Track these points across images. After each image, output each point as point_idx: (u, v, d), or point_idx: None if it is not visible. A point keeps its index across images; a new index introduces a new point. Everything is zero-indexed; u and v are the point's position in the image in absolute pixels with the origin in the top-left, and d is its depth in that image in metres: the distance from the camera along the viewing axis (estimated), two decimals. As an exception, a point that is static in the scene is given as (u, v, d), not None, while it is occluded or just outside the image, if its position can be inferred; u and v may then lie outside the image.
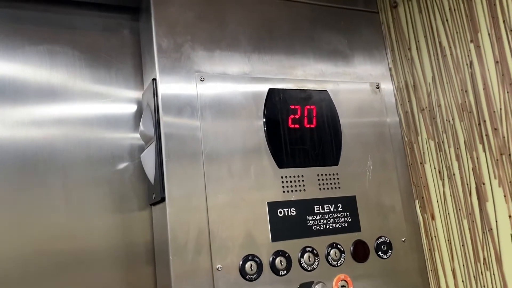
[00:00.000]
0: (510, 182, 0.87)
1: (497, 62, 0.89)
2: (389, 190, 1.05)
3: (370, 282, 0.97)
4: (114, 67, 1.00)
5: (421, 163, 1.07)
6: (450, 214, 1.00)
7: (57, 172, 0.91)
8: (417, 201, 1.08)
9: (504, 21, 0.87)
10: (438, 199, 1.03)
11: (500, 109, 0.88)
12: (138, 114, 1.00)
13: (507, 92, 0.87)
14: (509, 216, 0.87)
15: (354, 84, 1.09)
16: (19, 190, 0.88)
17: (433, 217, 1.04)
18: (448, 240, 1.01)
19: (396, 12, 1.14)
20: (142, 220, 0.95)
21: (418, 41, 1.08)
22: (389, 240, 1.01)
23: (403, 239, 1.04)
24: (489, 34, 0.90)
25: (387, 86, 1.14)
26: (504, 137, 0.88)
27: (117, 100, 0.99)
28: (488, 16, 0.90)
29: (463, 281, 0.97)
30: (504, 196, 0.88)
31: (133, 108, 1.00)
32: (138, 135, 0.97)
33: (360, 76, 1.11)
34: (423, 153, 1.06)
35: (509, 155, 0.87)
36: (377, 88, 1.11)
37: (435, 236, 1.04)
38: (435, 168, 1.04)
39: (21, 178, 0.88)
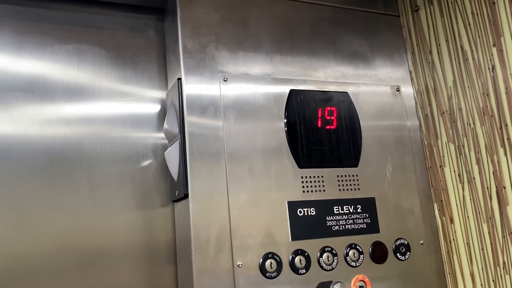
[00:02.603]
0: (531, 186, 0.87)
1: (520, 66, 0.89)
2: (408, 192, 1.05)
3: (388, 283, 0.98)
4: (140, 66, 1.02)
5: (440, 166, 1.07)
6: (469, 217, 1.00)
7: (82, 169, 0.93)
8: (435, 204, 1.08)
9: (528, 26, 0.87)
10: (457, 202, 1.03)
11: (523, 113, 0.88)
12: (162, 113, 1.02)
13: (530, 96, 0.87)
14: (530, 221, 0.87)
15: (374, 86, 1.10)
16: (46, 186, 0.90)
17: (452, 220, 1.04)
18: (467, 244, 1.01)
19: (417, 16, 1.15)
20: (165, 216, 0.97)
21: (439, 44, 1.08)
22: (408, 242, 1.02)
23: (421, 242, 1.04)
24: (512, 38, 0.90)
25: (407, 89, 1.14)
26: (526, 141, 0.88)
27: (142, 100, 1.01)
28: (511, 20, 0.90)
29: (481, 284, 0.97)
30: (525, 200, 0.88)
31: (157, 107, 1.02)
32: (161, 134, 0.99)
33: (381, 78, 1.12)
34: (443, 156, 1.07)
35: (531, 159, 0.87)
36: (397, 91, 1.12)
37: (453, 239, 1.04)
38: (454, 171, 1.04)
39: (48, 174, 0.91)
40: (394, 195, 1.04)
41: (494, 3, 0.94)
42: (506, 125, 0.92)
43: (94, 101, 0.98)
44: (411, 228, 1.04)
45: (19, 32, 0.94)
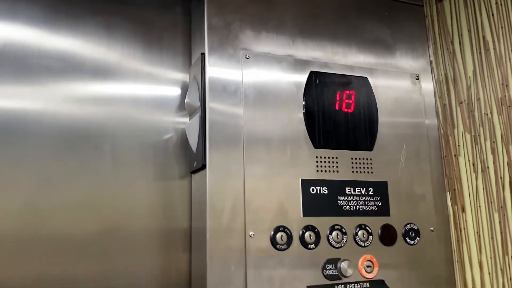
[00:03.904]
0: (545, 176, 0.87)
1: (541, 57, 0.89)
2: (421, 179, 1.07)
3: (395, 266, 1.00)
4: (165, 44, 1.06)
5: (455, 156, 1.08)
6: (481, 207, 1.01)
7: (106, 146, 0.97)
8: (448, 193, 1.09)
9: (551, 17, 0.88)
10: (470, 191, 1.04)
11: (541, 104, 0.89)
12: (183, 94, 1.05)
13: (549, 87, 0.87)
14: (541, 210, 0.88)
15: (394, 73, 1.11)
16: (72, 160, 0.94)
17: (463, 209, 1.06)
18: (477, 233, 1.02)
19: (441, 6, 1.15)
20: (182, 187, 1.01)
21: (461, 34, 1.09)
22: (418, 228, 1.03)
23: (431, 228, 1.05)
24: (534, 29, 0.91)
25: (427, 78, 1.15)
26: (542, 132, 0.88)
27: (165, 81, 1.05)
28: (535, 11, 0.91)
29: (489, 273, 0.98)
30: (538, 190, 0.89)
31: (178, 89, 1.06)
32: (182, 114, 1.03)
33: (401, 66, 1.13)
34: (458, 145, 1.07)
35: (546, 149, 0.87)
36: (416, 79, 1.13)
37: (464, 228, 1.05)
38: (469, 160, 1.05)
39: (74, 149, 0.95)
40: (407, 181, 1.05)
41: (518, -7, 0.94)
42: (523, 115, 0.92)
43: (120, 80, 1.01)
44: (422, 214, 1.05)
45: (54, 6, 0.98)
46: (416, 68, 1.15)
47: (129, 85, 1.02)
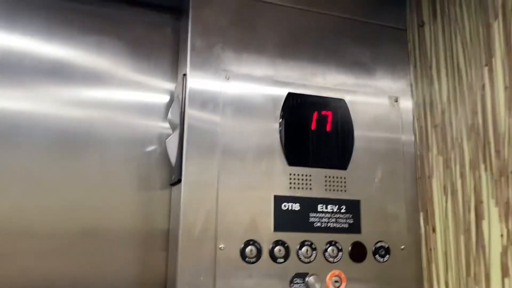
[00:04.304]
0: (505, 202, 0.91)
1: (506, 87, 0.93)
2: (394, 199, 1.11)
3: (365, 282, 1.03)
4: (153, 60, 1.12)
5: (429, 177, 1.12)
6: (449, 228, 1.04)
7: (93, 149, 1.04)
8: (421, 213, 1.13)
9: (517, 49, 0.91)
10: (440, 213, 1.07)
11: (504, 132, 0.92)
12: (170, 105, 1.11)
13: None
14: (501, 235, 0.91)
15: (373, 95, 1.15)
16: (60, 161, 1.01)
17: (434, 230, 1.09)
18: (445, 253, 1.05)
19: (422, 31, 1.19)
20: (163, 198, 1.07)
21: (438, 60, 1.12)
22: (388, 246, 1.07)
23: (402, 247, 1.09)
24: (502, 60, 0.94)
25: (407, 101, 1.19)
26: (505, 160, 0.91)
27: (152, 90, 1.11)
28: (503, 42, 0.94)
29: (454, 293, 1.01)
30: (499, 216, 0.92)
31: (166, 99, 1.12)
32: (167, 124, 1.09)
33: (380, 89, 1.17)
34: (431, 168, 1.11)
35: (507, 177, 0.90)
36: (395, 101, 1.17)
37: (434, 248, 1.08)
38: (440, 183, 1.08)
39: (62, 151, 1.01)
40: (380, 200, 1.09)
41: (489, 24, 0.98)
42: (489, 142, 0.95)
43: (109, 88, 1.08)
44: (393, 233, 1.09)
45: (49, 22, 1.05)
46: (396, 90, 1.19)
47: (118, 96, 1.08)
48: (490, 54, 0.97)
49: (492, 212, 0.94)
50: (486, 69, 0.98)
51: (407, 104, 1.19)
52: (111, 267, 1.01)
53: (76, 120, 1.04)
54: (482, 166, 0.97)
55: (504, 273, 0.90)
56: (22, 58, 1.03)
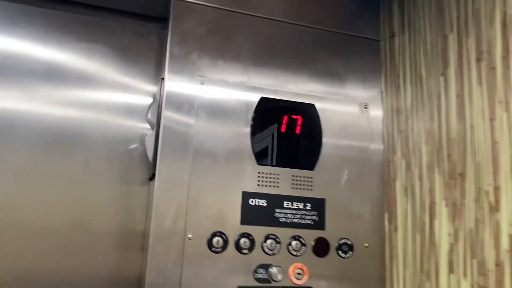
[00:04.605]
0: (453, 203, 0.97)
1: (458, 95, 0.99)
2: (360, 200, 1.17)
3: (326, 276, 1.10)
4: (140, 65, 1.22)
5: (393, 180, 1.18)
6: (408, 227, 1.11)
7: (80, 147, 1.13)
8: (386, 213, 1.19)
9: (468, 59, 0.97)
10: (402, 213, 1.14)
11: (455, 138, 0.98)
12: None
13: (462, 123, 0.97)
14: (449, 234, 0.97)
15: (344, 102, 1.22)
16: (49, 158, 1.11)
17: (396, 229, 1.15)
18: (404, 252, 1.11)
19: (393, 42, 1.26)
20: (142, 191, 1.16)
21: (405, 69, 1.19)
22: (352, 243, 1.14)
23: (366, 245, 1.16)
24: (455, 70, 1.01)
25: (377, 108, 1.26)
26: (454, 163, 0.98)
27: (137, 92, 1.21)
28: (456, 53, 1.01)
29: (407, 287, 1.08)
30: (448, 215, 0.98)
31: (150, 100, 1.21)
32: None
33: (352, 96, 1.24)
34: (396, 171, 1.18)
35: (455, 179, 0.97)
36: (365, 108, 1.24)
37: (395, 247, 1.15)
38: (402, 185, 1.15)
39: (52, 149, 1.11)
40: (346, 200, 1.16)
41: (445, 36, 1.05)
42: (443, 147, 1.02)
43: (99, 89, 1.18)
44: (357, 231, 1.15)
45: (46, 29, 1.16)
46: (366, 98, 1.26)
47: (106, 97, 1.18)
48: (445, 64, 1.04)
49: (443, 212, 1.00)
50: (442, 78, 1.05)
51: (377, 111, 1.26)
52: (92, 261, 1.11)
53: (67, 120, 1.14)
54: (436, 169, 1.03)
55: (450, 269, 0.96)
56: (21, 61, 1.14)
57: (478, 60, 0.95)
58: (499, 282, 0.84)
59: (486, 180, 0.89)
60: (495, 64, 0.90)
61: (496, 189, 0.86)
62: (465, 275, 0.92)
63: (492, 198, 0.87)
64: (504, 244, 0.83)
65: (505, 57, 0.88)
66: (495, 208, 0.86)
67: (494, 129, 0.88)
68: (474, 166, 0.92)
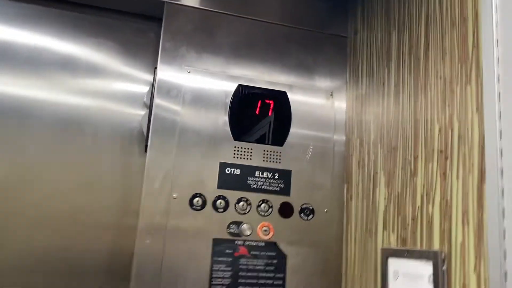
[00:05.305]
0: (388, 172, 1.18)
1: (395, 85, 1.20)
2: (322, 172, 1.39)
3: (289, 234, 1.32)
4: (139, 58, 1.45)
5: (351, 155, 1.39)
6: (359, 195, 1.32)
7: (87, 133, 1.37)
8: (345, 184, 1.41)
9: (403, 53, 1.18)
10: (356, 183, 1.35)
11: (391, 119, 1.19)
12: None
13: (397, 107, 1.18)
14: (384, 198, 1.18)
15: (311, 90, 1.44)
16: (58, 143, 1.35)
17: (351, 198, 1.37)
18: (355, 216, 1.33)
19: (356, 38, 1.47)
20: (141, 162, 1.40)
21: (363, 62, 1.40)
22: (313, 208, 1.36)
23: (325, 210, 1.37)
24: (394, 62, 1.21)
25: (341, 96, 1.47)
26: (390, 139, 1.18)
27: (137, 81, 1.44)
28: (396, 48, 1.21)
29: (356, 245, 1.29)
30: (385, 182, 1.19)
31: (147, 88, 1.45)
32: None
33: (319, 86, 1.45)
34: (353, 148, 1.39)
35: (391, 152, 1.17)
36: (330, 95, 1.45)
37: (351, 212, 1.36)
38: (357, 160, 1.36)
39: (61, 134, 1.35)
40: (310, 172, 1.38)
41: (390, 33, 1.25)
42: (383, 126, 1.23)
43: (105, 79, 1.42)
44: (318, 198, 1.37)
45: (61, 26, 1.41)
46: (333, 87, 1.47)
47: (109, 84, 1.43)
48: (389, 57, 1.25)
49: (382, 180, 1.21)
50: (386, 70, 1.25)
51: (341, 99, 1.47)
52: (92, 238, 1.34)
53: (77, 106, 1.39)
54: (379, 145, 1.24)
55: (384, 226, 1.17)
56: (40, 53, 1.39)
57: (409, 54, 1.15)
58: (413, 233, 1.04)
59: (409, 152, 1.10)
60: (420, 55, 1.10)
61: (415, 158, 1.07)
62: (393, 230, 1.13)
63: (412, 166, 1.08)
64: (418, 201, 1.04)
65: (426, 51, 1.08)
66: (413, 173, 1.07)
67: (416, 111, 1.09)
68: (402, 140, 1.13)
